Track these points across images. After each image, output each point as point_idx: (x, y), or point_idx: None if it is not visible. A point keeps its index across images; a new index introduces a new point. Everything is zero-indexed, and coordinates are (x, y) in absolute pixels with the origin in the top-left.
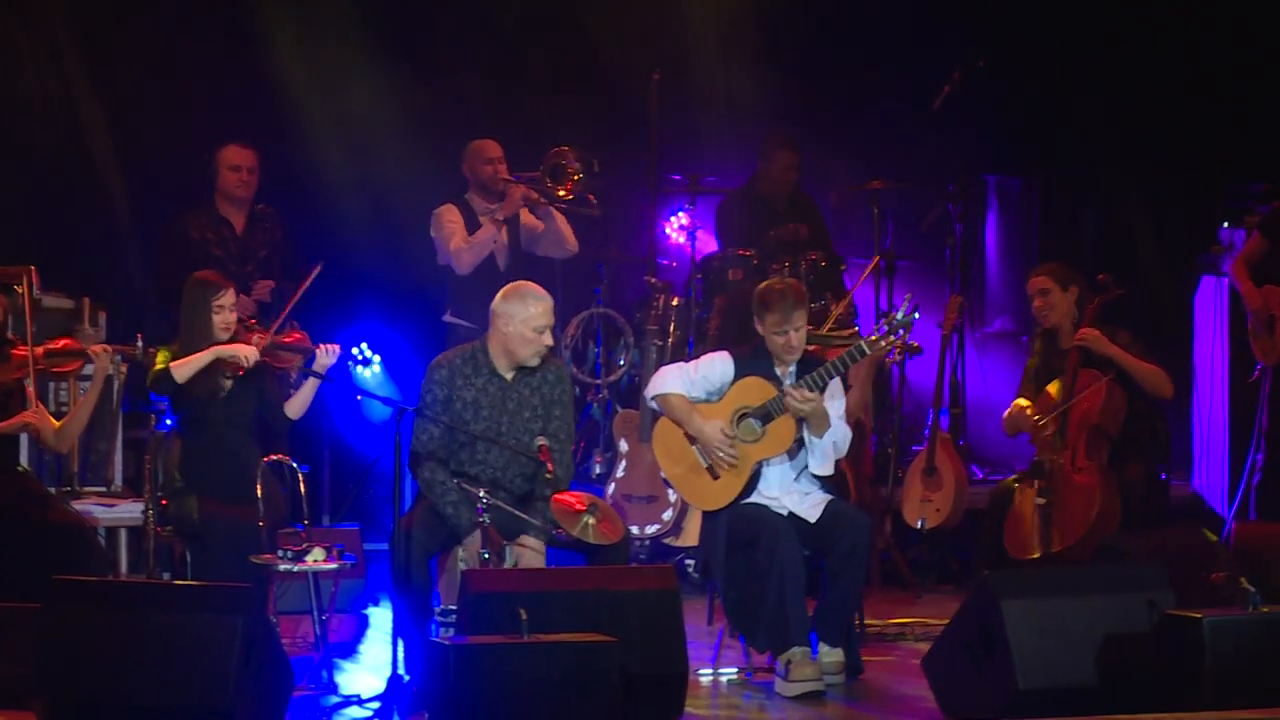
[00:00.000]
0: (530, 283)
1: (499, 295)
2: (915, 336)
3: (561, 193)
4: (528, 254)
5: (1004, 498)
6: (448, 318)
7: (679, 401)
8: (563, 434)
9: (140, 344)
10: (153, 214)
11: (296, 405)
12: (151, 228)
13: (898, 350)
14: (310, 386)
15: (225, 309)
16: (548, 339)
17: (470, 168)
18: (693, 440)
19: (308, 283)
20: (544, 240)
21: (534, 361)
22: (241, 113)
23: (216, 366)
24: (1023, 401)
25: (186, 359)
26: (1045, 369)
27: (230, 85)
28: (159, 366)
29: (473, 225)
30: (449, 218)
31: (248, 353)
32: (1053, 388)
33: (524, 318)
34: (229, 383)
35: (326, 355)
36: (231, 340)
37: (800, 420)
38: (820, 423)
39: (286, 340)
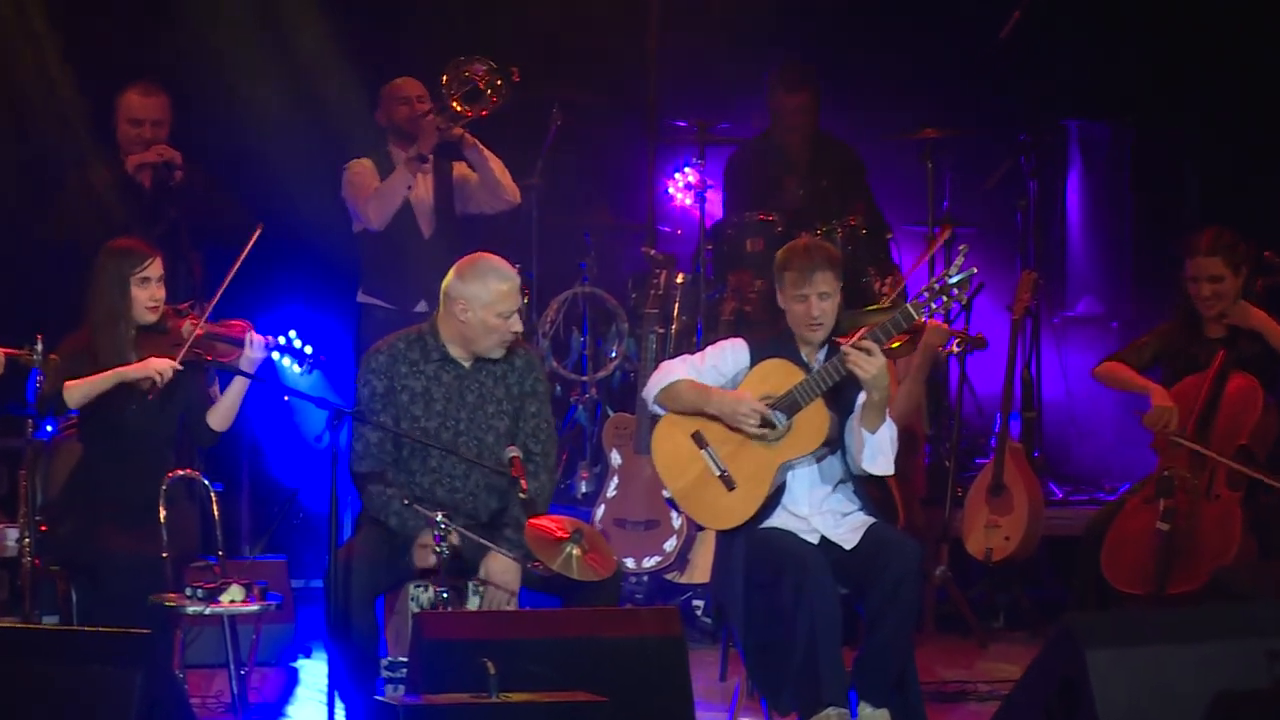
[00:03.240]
0: (491, 255)
1: (452, 273)
2: (979, 322)
3: (483, 112)
4: (463, 216)
5: (1110, 518)
6: (361, 297)
7: (688, 386)
8: (542, 434)
9: (39, 347)
10: (41, 172)
11: (221, 414)
12: (42, 187)
13: (958, 341)
14: (237, 391)
15: (152, 282)
16: (516, 325)
17: (385, 111)
18: (701, 444)
19: (247, 249)
20: (476, 191)
21: (498, 353)
22: (153, 50)
23: (125, 387)
24: (1158, 393)
25: (82, 380)
26: (1170, 356)
27: (143, 19)
28: (49, 387)
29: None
30: (360, 172)
31: (160, 368)
32: (1186, 387)
33: (486, 300)
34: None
35: (253, 348)
36: (157, 327)
37: (834, 410)
38: (879, 406)
39: (226, 330)
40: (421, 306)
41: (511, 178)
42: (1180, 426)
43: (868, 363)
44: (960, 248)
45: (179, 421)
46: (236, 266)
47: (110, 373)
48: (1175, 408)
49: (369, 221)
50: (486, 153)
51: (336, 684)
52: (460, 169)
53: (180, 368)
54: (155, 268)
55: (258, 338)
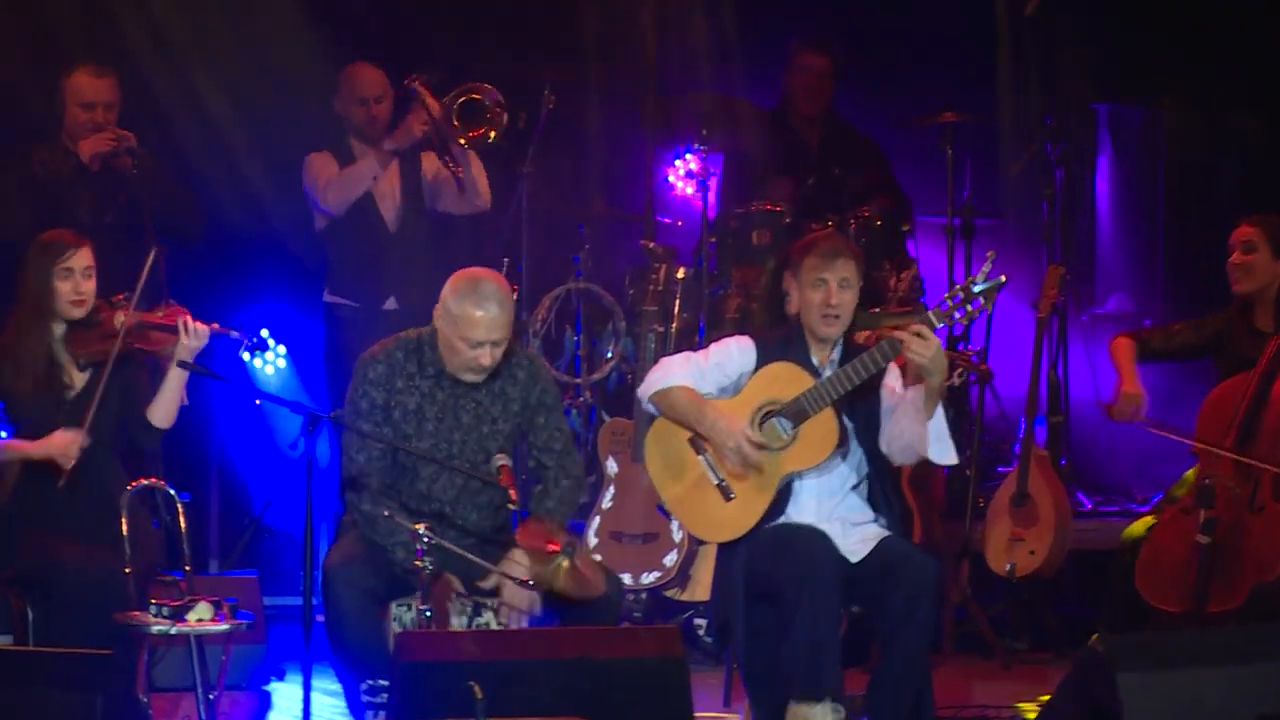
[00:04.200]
0: (490, 275)
1: (452, 278)
2: (1002, 321)
3: (463, 140)
4: (431, 211)
5: (1148, 529)
6: (327, 296)
7: (684, 395)
8: (556, 444)
9: None
10: None
11: (161, 409)
12: None
13: (959, 371)
14: (174, 384)
15: (76, 273)
16: (485, 359)
17: (343, 104)
18: (698, 448)
19: (145, 271)
20: (447, 191)
21: (468, 378)
22: (103, 28)
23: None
24: (1125, 378)
25: None
26: (1221, 350)
27: None
28: None
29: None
30: (321, 160)
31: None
32: (1232, 386)
33: (457, 318)
34: (81, 376)
35: (190, 337)
36: (87, 322)
37: (846, 418)
38: (938, 391)
39: (160, 319)
40: (390, 304)
41: (487, 180)
42: (1220, 431)
43: (923, 347)
44: (989, 254)
45: (119, 424)
46: (139, 287)
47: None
48: (1142, 394)
49: (329, 206)
50: (473, 156)
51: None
52: (431, 164)
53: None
54: (80, 258)
55: (195, 325)
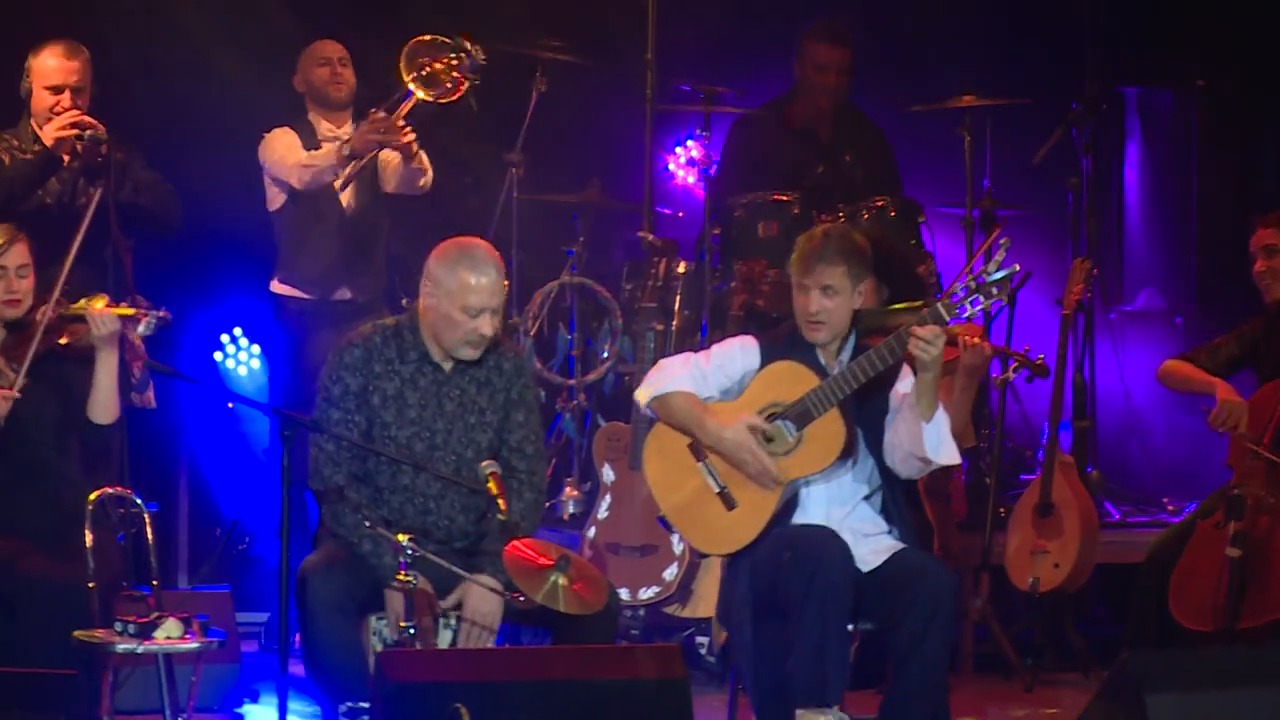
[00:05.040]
0: (478, 241)
1: (432, 254)
2: (1025, 318)
3: (446, 100)
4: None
5: (1177, 542)
6: (275, 287)
7: (684, 402)
8: (529, 448)
9: None
10: None
11: (99, 404)
12: None
13: (1014, 365)
14: (103, 375)
15: (9, 272)
16: (485, 327)
17: (303, 74)
18: (698, 454)
19: (68, 261)
20: (392, 172)
21: (466, 354)
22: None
23: None
24: (1223, 388)
25: None
26: (1257, 358)
27: None
28: None
29: (313, 148)
30: (283, 137)
31: None
32: (1268, 391)
33: (450, 290)
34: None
35: (97, 324)
36: (21, 323)
37: (853, 421)
38: (932, 387)
39: (76, 308)
40: (343, 294)
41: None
42: (1255, 434)
43: (928, 342)
44: (1002, 241)
45: (58, 423)
46: (60, 280)
47: None
48: (1244, 404)
49: (294, 182)
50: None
51: None
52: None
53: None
54: (13, 256)
55: (100, 311)
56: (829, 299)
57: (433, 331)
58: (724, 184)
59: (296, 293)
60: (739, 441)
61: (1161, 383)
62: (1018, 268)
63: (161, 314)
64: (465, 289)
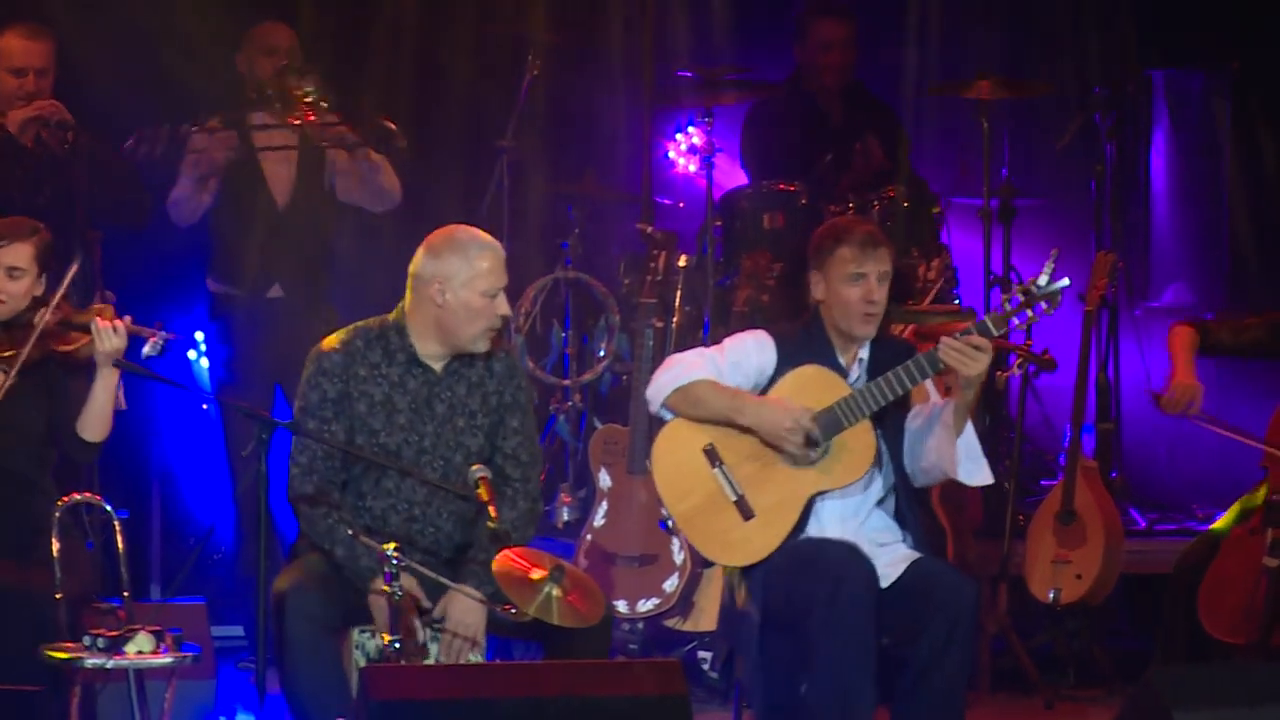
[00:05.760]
0: (471, 227)
1: (421, 251)
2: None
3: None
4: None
5: (1208, 550)
6: (210, 284)
7: (711, 388)
8: (523, 455)
9: None
10: None
11: (91, 421)
12: None
13: (1018, 361)
14: (102, 392)
15: None
16: (503, 306)
17: (247, 59)
18: (713, 459)
19: (73, 265)
20: (351, 185)
21: (483, 345)
22: None
23: None
24: (1180, 368)
25: None
26: None
27: None
28: None
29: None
30: (205, 139)
31: None
32: None
33: (467, 277)
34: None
35: (104, 339)
36: (14, 323)
37: (879, 430)
38: (970, 406)
39: (81, 316)
40: (275, 292)
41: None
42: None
43: (976, 359)
44: (1052, 251)
45: (44, 435)
46: (64, 283)
47: None
48: (1198, 386)
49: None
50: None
51: None
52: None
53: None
54: (8, 255)
55: (108, 324)
56: (885, 287)
57: (442, 329)
58: (747, 174)
59: (232, 289)
60: (786, 410)
61: (1167, 340)
62: (1068, 281)
63: (167, 334)
64: (480, 272)
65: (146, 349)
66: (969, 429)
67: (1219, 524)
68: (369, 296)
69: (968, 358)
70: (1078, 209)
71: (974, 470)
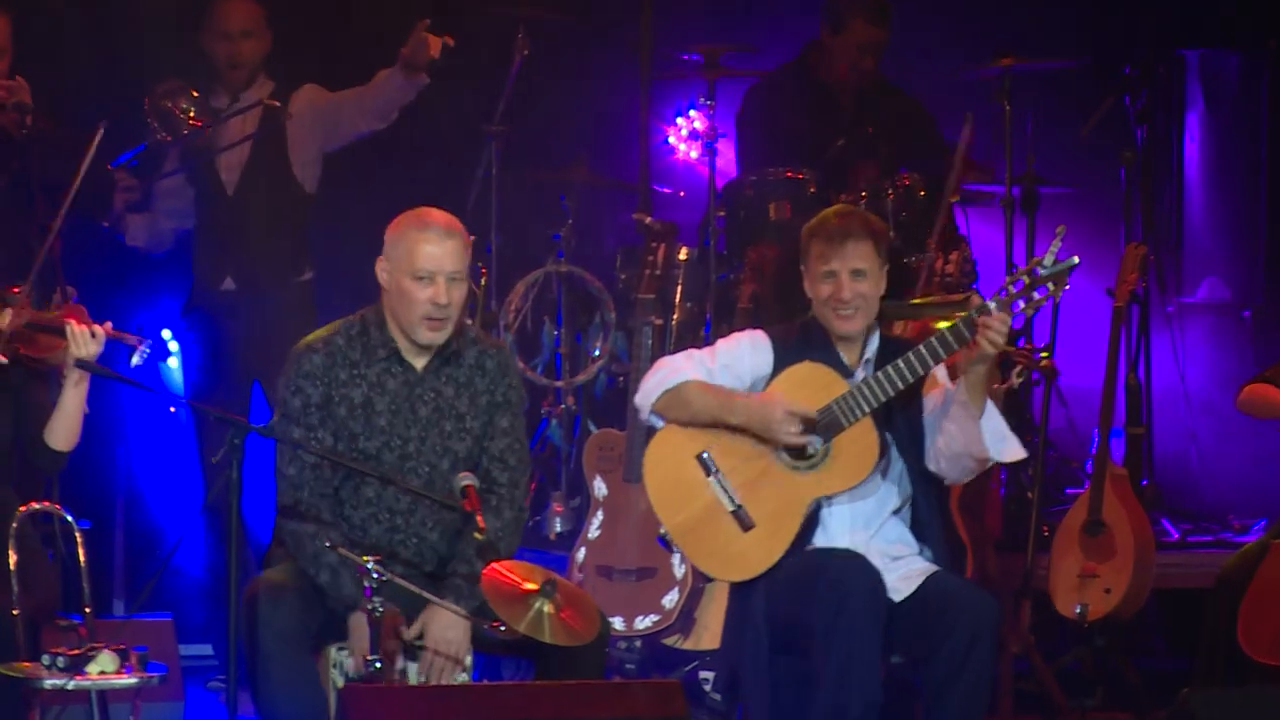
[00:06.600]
0: (434, 209)
1: (390, 227)
2: (1070, 309)
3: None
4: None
5: (1251, 566)
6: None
7: (700, 389)
8: (511, 459)
9: None
10: None
11: (60, 430)
12: None
13: (1018, 370)
14: (71, 399)
15: None
16: (441, 295)
17: (206, 39)
18: (708, 468)
19: (39, 260)
20: (347, 108)
21: (426, 335)
22: None
23: None
24: None
25: None
26: None
27: None
28: None
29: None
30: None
31: None
32: None
33: (399, 255)
34: None
35: (78, 344)
36: None
37: (883, 429)
38: (982, 383)
39: (51, 319)
40: (227, 284)
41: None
42: None
43: (999, 334)
44: (1058, 229)
45: (13, 444)
46: (30, 280)
47: None
48: None
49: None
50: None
51: None
52: (309, 96)
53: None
54: None
55: (83, 328)
56: (861, 283)
57: (395, 317)
58: (744, 162)
59: (196, 283)
60: (776, 403)
61: (1243, 410)
62: (1075, 260)
63: (150, 342)
64: (413, 252)
65: (135, 359)
66: (990, 406)
67: (1262, 537)
68: (351, 289)
69: (994, 332)
70: (1106, 198)
71: (1003, 446)
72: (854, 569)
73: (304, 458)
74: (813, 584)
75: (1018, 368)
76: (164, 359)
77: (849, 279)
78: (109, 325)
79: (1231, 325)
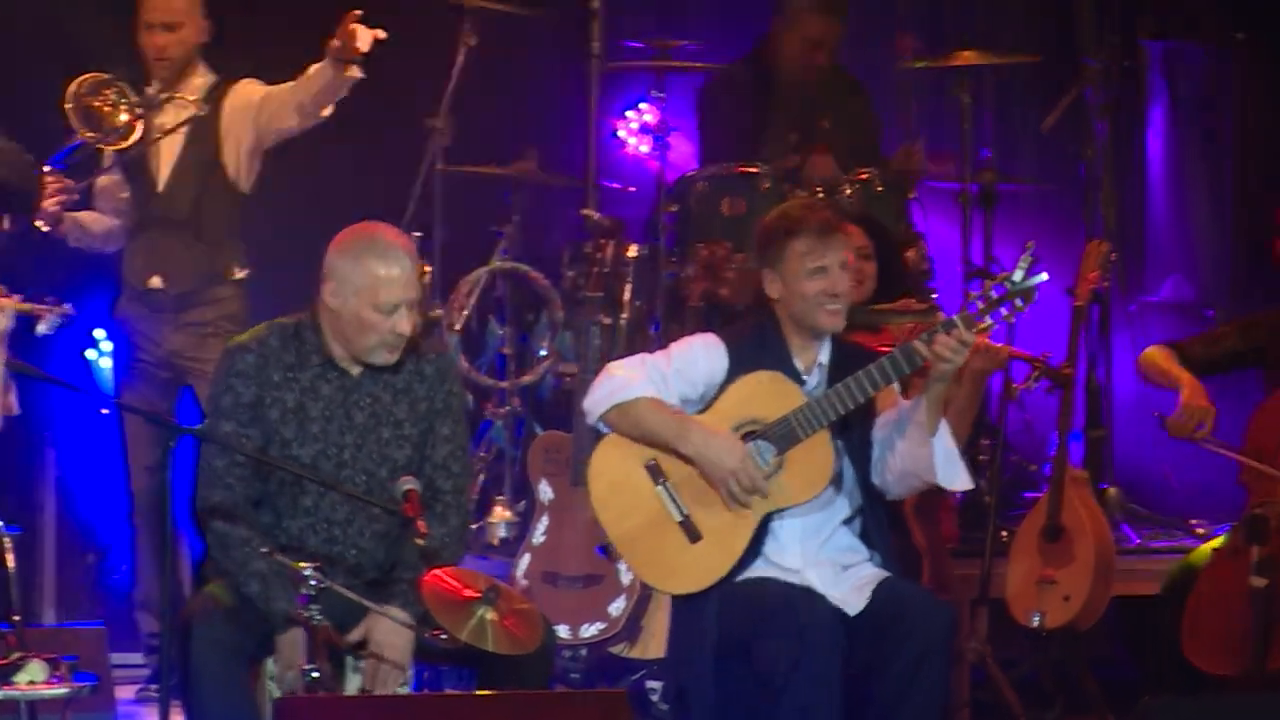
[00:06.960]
0: (382, 227)
1: (334, 243)
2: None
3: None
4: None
5: (1193, 574)
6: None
7: (653, 407)
8: (454, 466)
9: None
10: None
11: None
12: None
13: (1032, 375)
14: None
15: None
16: (402, 324)
17: (137, 36)
18: (656, 476)
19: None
20: (288, 106)
21: (382, 359)
22: None
23: None
24: (1188, 387)
25: None
26: (1267, 352)
27: None
28: None
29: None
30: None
31: None
32: None
33: (359, 286)
34: None
35: None
36: None
37: (838, 439)
38: (940, 399)
39: None
40: (155, 282)
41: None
42: (1267, 446)
43: (959, 350)
44: (1027, 244)
45: None
46: None
47: None
48: (1208, 407)
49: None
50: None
51: None
52: (244, 91)
53: None
54: None
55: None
56: (845, 274)
57: (341, 336)
58: (704, 156)
59: (126, 281)
60: (730, 450)
61: (1140, 372)
62: (1045, 276)
63: (65, 309)
64: (375, 284)
65: (41, 327)
66: (944, 428)
67: (1200, 549)
68: (286, 289)
69: (946, 357)
70: (1066, 194)
71: (953, 473)
72: (816, 616)
73: (228, 455)
74: (770, 624)
75: (1034, 372)
76: (84, 340)
77: (840, 272)
78: (18, 298)
79: (1194, 324)
